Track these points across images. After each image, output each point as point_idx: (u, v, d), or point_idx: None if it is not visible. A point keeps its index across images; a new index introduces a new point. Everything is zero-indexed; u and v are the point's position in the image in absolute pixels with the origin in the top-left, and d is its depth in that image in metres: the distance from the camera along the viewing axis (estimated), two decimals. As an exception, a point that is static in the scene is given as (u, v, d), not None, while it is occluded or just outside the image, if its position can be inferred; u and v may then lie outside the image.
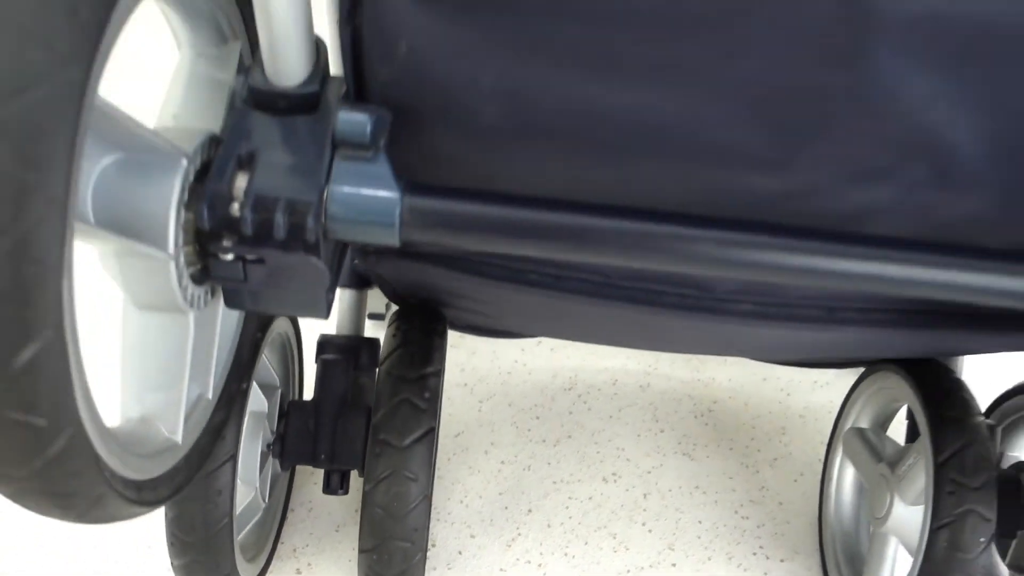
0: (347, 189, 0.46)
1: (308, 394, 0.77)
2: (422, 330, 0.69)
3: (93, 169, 0.42)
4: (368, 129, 0.45)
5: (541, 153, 0.50)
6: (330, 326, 0.73)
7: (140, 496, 0.46)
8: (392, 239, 0.47)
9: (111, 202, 0.42)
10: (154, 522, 0.67)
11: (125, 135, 0.42)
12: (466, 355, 1.02)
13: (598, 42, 0.44)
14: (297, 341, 0.82)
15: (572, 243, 0.48)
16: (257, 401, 0.70)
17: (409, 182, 0.47)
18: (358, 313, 0.81)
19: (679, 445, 0.96)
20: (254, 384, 0.67)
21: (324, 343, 0.78)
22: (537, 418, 0.97)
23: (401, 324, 0.70)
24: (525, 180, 0.50)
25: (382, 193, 0.46)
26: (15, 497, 0.39)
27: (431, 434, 0.65)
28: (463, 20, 0.44)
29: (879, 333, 0.62)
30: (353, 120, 0.45)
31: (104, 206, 0.42)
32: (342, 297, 0.79)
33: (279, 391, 0.76)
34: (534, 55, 0.45)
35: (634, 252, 0.48)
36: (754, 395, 1.02)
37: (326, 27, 0.51)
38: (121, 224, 0.43)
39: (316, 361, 0.77)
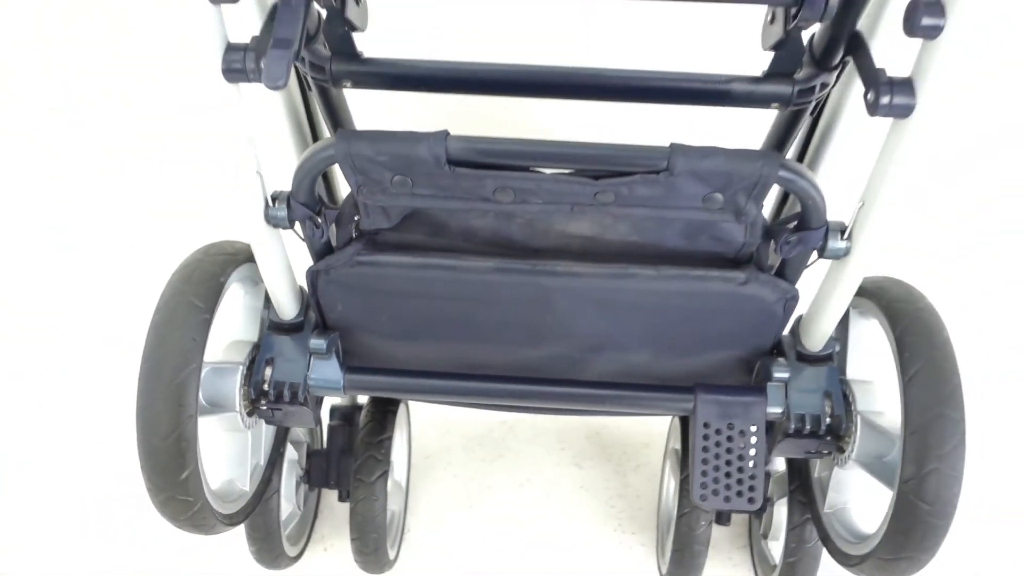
0: (317, 374, 0.96)
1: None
2: (382, 411, 1.19)
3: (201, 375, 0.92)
4: (325, 347, 0.94)
5: (419, 345, 0.99)
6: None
7: (231, 521, 0.97)
8: (341, 396, 0.97)
9: (210, 390, 0.93)
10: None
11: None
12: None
13: (436, 311, 0.92)
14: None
15: (436, 394, 0.98)
16: (291, 453, 1.20)
17: (349, 366, 0.97)
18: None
19: (573, 459, 1.45)
20: (288, 444, 1.18)
21: (333, 410, 1.28)
22: (480, 444, 1.47)
23: (371, 407, 1.20)
24: (414, 356, 0.99)
25: (333, 375, 0.96)
26: (176, 527, 0.90)
27: (386, 474, 1.15)
28: (369, 298, 0.93)
29: None
30: (317, 343, 0.95)
31: (207, 392, 0.92)
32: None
33: (306, 444, 1.26)
34: (405, 309, 0.94)
35: (473, 397, 0.97)
36: (631, 420, 1.49)
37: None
38: (214, 400, 0.93)
39: (329, 421, 1.28)
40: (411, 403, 1.37)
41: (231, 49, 0.71)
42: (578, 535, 1.36)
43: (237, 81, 0.72)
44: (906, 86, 0.70)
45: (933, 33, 0.66)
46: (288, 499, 1.20)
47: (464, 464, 1.44)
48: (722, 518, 1.26)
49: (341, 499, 1.28)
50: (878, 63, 0.73)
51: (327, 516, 1.38)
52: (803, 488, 1.11)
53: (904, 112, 0.70)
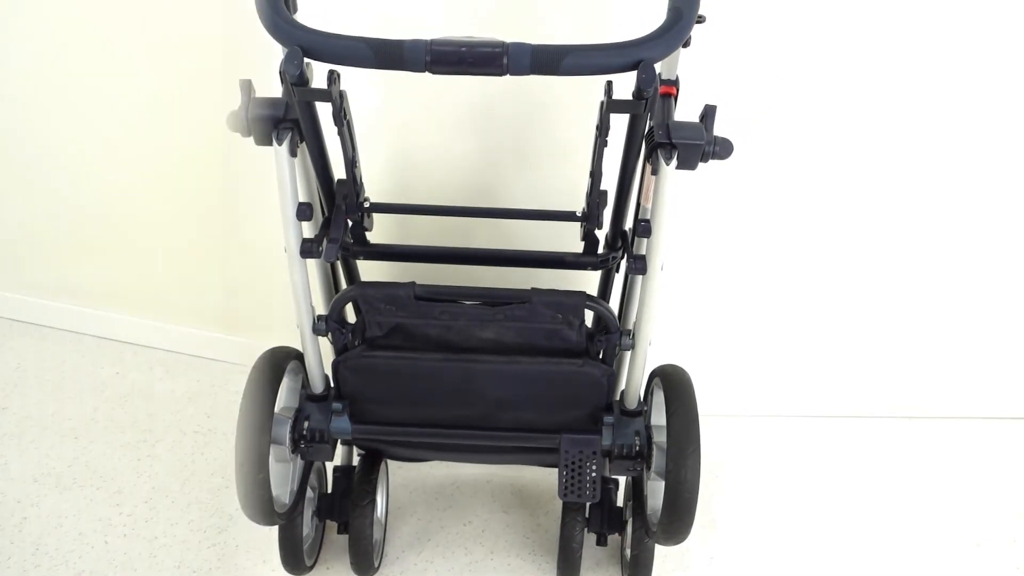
0: (335, 425, 1.61)
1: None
2: (370, 464, 1.82)
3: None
4: (341, 408, 1.60)
5: (397, 407, 1.64)
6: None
7: (280, 518, 1.58)
8: (349, 438, 1.62)
9: (273, 430, 1.56)
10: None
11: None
12: (407, 469, 2.13)
13: (407, 386, 1.59)
14: (324, 468, 1.95)
15: (407, 437, 1.63)
16: (309, 494, 1.82)
17: (355, 419, 1.62)
18: (350, 454, 1.95)
19: (502, 507, 2.06)
20: (308, 488, 1.79)
21: (335, 468, 1.90)
22: (436, 497, 2.08)
23: (362, 463, 1.83)
24: (394, 414, 1.64)
25: (345, 426, 1.61)
26: (249, 516, 1.52)
27: (373, 502, 1.76)
28: (368, 378, 1.59)
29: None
30: (336, 406, 1.60)
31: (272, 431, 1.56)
32: (342, 451, 1.93)
33: (318, 489, 1.88)
34: (389, 385, 1.60)
35: (430, 439, 1.63)
36: (543, 479, 2.12)
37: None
38: (274, 438, 1.56)
39: (333, 475, 1.89)
40: (389, 465, 2.00)
41: (306, 240, 1.40)
42: (503, 557, 1.96)
43: (306, 258, 1.41)
44: (642, 260, 1.40)
45: (647, 235, 1.37)
46: (306, 524, 1.80)
47: (425, 510, 2.05)
48: (600, 540, 1.87)
49: (339, 532, 1.88)
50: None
51: (328, 544, 1.96)
52: (639, 504, 1.74)
53: (643, 272, 1.41)
